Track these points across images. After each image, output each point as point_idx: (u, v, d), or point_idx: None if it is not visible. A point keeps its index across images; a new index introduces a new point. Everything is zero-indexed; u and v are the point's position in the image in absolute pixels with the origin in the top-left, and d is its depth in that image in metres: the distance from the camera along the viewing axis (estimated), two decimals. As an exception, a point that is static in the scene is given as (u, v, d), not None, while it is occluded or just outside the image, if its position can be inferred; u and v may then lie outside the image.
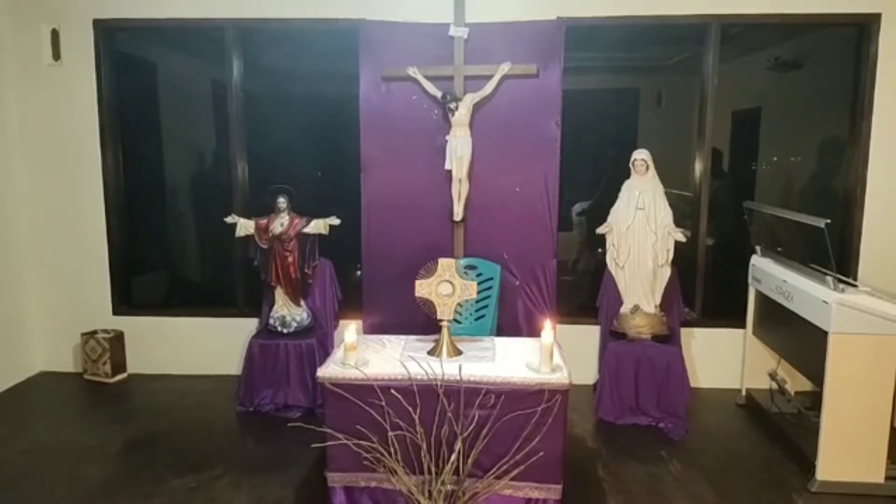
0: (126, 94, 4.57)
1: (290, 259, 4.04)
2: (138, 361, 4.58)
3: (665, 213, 3.85)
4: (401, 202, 4.19)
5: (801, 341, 3.43)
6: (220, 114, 4.59)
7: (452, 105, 3.92)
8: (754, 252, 4.03)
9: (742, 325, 4.16)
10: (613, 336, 4.01)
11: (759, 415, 3.92)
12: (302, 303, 4.15)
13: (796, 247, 3.62)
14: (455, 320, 3.42)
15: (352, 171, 4.24)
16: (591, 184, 4.90)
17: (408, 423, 2.65)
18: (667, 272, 3.93)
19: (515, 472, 2.66)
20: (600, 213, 4.06)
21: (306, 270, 4.09)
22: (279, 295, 4.12)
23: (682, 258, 4.09)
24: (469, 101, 3.97)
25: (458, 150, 3.96)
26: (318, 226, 4.00)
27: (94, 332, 4.48)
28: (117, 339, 4.50)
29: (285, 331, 4.08)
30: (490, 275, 4.03)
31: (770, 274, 3.72)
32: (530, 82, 4.05)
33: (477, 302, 3.89)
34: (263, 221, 4.03)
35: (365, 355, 2.91)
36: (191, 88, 4.91)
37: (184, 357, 4.60)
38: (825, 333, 3.06)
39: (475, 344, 3.14)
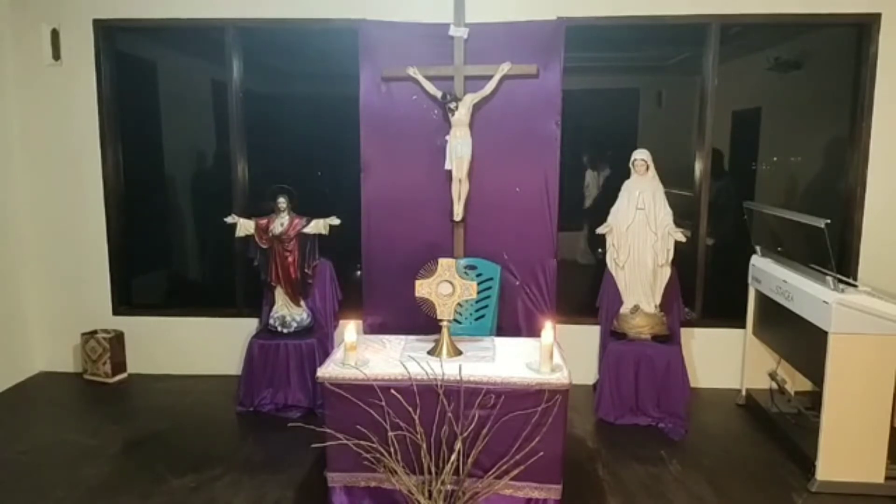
0: (126, 94, 4.57)
1: (290, 259, 4.04)
2: (138, 361, 4.58)
3: (665, 213, 3.85)
4: (401, 202, 4.19)
5: (801, 341, 3.43)
6: (220, 114, 4.59)
7: (452, 105, 3.92)
8: (754, 252, 4.04)
9: (742, 325, 4.16)
10: (613, 336, 4.01)
11: (759, 415, 3.92)
12: (302, 303, 4.15)
13: (796, 247, 3.62)
14: (455, 320, 3.42)
15: (352, 171, 4.24)
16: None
17: (408, 423, 2.65)
18: (667, 272, 3.93)
19: (515, 472, 2.66)
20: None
21: (306, 270, 4.09)
22: (279, 295, 4.12)
23: (682, 258, 4.08)
24: (469, 101, 3.97)
25: (458, 150, 3.96)
26: (318, 226, 4.00)
27: (94, 332, 4.48)
28: (117, 339, 4.50)
29: (285, 331, 4.08)
30: (490, 275, 4.03)
31: (770, 274, 3.72)
32: (530, 82, 4.05)
33: (477, 302, 3.89)
34: (263, 221, 4.03)
35: (365, 355, 2.91)
36: (191, 88, 4.90)
37: (184, 357, 4.60)
38: (825, 333, 3.06)
39: (475, 344, 3.14)
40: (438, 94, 3.99)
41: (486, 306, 3.96)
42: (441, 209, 4.13)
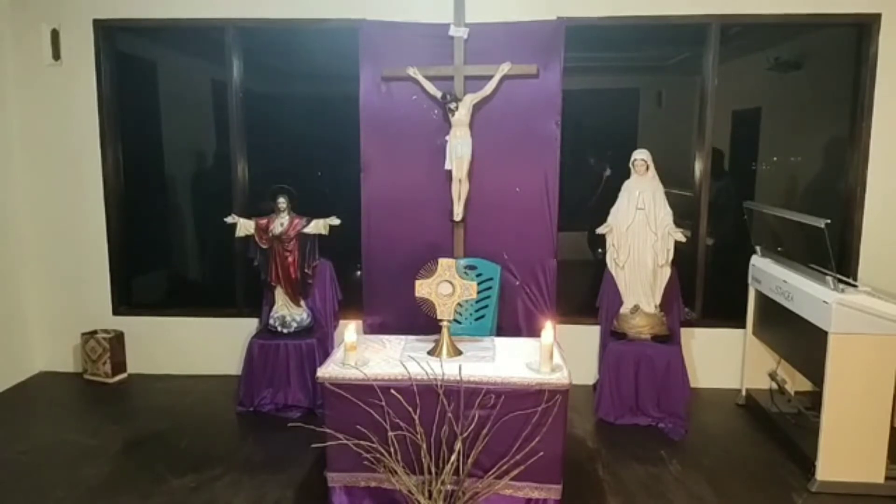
0: (126, 94, 4.57)
1: (290, 259, 4.04)
2: (138, 361, 4.58)
3: (665, 213, 3.85)
4: (401, 202, 4.19)
5: (801, 341, 3.43)
6: (220, 114, 4.59)
7: (452, 105, 3.92)
8: (754, 252, 4.04)
9: (742, 325, 4.16)
10: (613, 336, 4.01)
11: (759, 415, 3.92)
12: (302, 303, 4.15)
13: (796, 247, 3.62)
14: (455, 320, 3.42)
15: (352, 171, 4.24)
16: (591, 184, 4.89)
17: (408, 423, 2.65)
18: (667, 272, 3.93)
19: (515, 472, 2.66)
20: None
21: (306, 270, 4.09)
22: (279, 295, 4.12)
23: (682, 258, 4.08)
24: (469, 101, 3.97)
25: (458, 150, 3.96)
26: (318, 226, 4.00)
27: (94, 332, 4.48)
28: (117, 339, 4.50)
29: (285, 331, 4.08)
30: (490, 275, 4.03)
31: (770, 274, 3.72)
32: (530, 82, 4.05)
33: (477, 302, 3.89)
34: (263, 221, 4.03)
35: (365, 355, 2.91)
36: (191, 88, 4.90)
37: (184, 357, 4.60)
38: (825, 333, 3.06)
39: (475, 344, 3.14)
40: (438, 94, 3.99)
41: (486, 306, 3.96)
42: (441, 209, 4.13)
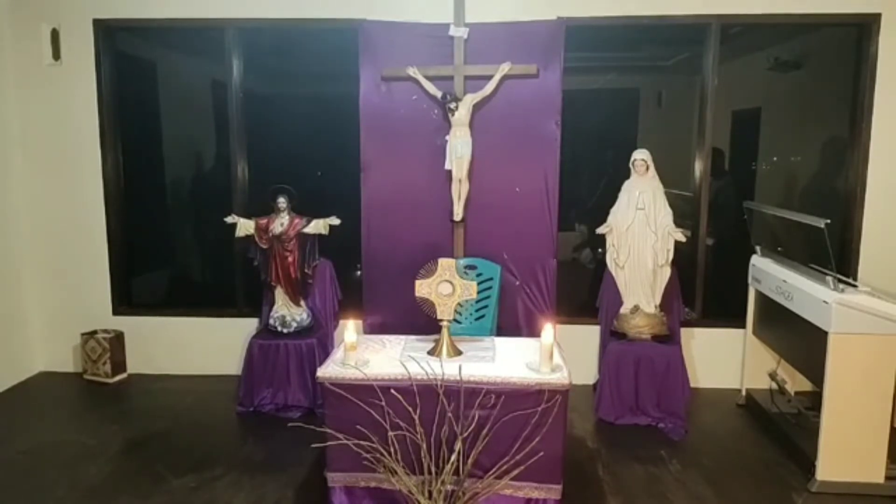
0: (126, 94, 4.57)
1: (290, 259, 4.04)
2: (138, 361, 4.58)
3: (665, 213, 3.85)
4: (401, 202, 4.20)
5: (801, 341, 3.43)
6: (220, 114, 4.59)
7: (452, 105, 3.92)
8: (754, 252, 4.04)
9: (742, 325, 4.16)
10: (613, 336, 4.01)
11: (759, 415, 3.92)
12: (302, 303, 4.15)
13: (796, 247, 3.62)
14: (455, 320, 3.42)
15: (352, 171, 4.24)
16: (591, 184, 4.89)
17: (408, 423, 2.65)
18: (667, 272, 3.94)
19: (515, 472, 2.66)
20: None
21: (306, 270, 4.09)
22: (279, 295, 4.12)
23: (682, 258, 4.08)
24: (469, 101, 3.97)
25: (458, 150, 3.96)
26: (318, 226, 4.00)
27: (94, 332, 4.48)
28: (117, 339, 4.50)
29: (285, 331, 4.08)
30: (490, 275, 4.03)
31: (770, 274, 3.72)
32: (530, 82, 4.05)
33: (477, 302, 3.89)
34: (263, 221, 4.03)
35: (365, 355, 2.91)
36: (191, 88, 4.90)
37: (184, 357, 4.60)
38: (825, 333, 3.06)
39: (475, 344, 3.14)
40: (438, 94, 3.99)
41: (486, 306, 3.96)
42: (441, 209, 4.13)
